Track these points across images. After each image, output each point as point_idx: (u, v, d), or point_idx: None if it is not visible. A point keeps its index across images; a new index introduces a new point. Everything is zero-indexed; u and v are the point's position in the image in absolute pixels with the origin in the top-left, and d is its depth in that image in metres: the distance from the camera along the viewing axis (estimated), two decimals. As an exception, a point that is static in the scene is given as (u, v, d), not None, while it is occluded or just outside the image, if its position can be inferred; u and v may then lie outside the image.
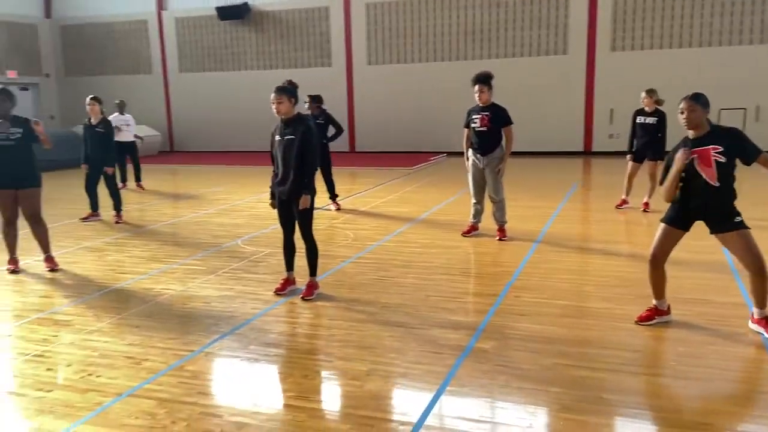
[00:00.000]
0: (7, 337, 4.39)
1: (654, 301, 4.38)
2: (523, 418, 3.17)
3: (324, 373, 3.74)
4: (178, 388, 3.54)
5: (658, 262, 4.28)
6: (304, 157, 4.92)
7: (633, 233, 7.75)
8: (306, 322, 4.70)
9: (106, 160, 8.66)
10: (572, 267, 5.96)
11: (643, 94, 8.63)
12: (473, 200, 7.45)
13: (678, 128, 4.22)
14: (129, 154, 11.79)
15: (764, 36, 15.46)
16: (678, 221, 4.19)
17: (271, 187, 5.19)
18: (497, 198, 7.22)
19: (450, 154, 16.90)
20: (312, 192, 5.02)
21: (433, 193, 10.91)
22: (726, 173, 3.98)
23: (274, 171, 5.14)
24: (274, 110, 4.97)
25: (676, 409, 3.26)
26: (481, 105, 7.11)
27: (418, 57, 18.42)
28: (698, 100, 4.02)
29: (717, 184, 3.98)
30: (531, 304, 4.91)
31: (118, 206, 8.71)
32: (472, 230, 7.47)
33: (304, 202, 4.96)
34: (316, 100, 9.42)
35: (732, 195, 4.07)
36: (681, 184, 4.11)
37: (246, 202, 10.21)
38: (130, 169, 12.06)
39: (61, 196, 10.01)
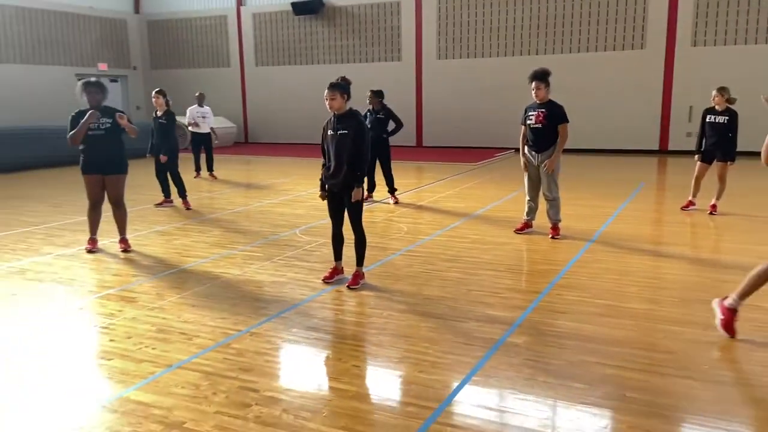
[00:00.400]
0: (79, 310, 4.85)
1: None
2: (541, 411, 3.26)
3: (356, 358, 3.94)
4: (223, 364, 3.84)
5: None
6: (357, 151, 5.12)
7: (694, 236, 7.53)
8: (348, 309, 4.92)
9: (162, 148, 9.18)
10: (621, 267, 5.90)
11: (714, 92, 8.31)
12: (527, 197, 7.46)
13: (749, 128, 4.12)
14: (204, 144, 12.42)
15: None
16: None
17: (321, 180, 5.43)
18: (551, 196, 7.20)
19: (517, 150, 16.74)
20: (364, 185, 5.22)
21: (492, 189, 10.91)
22: None
23: (324, 164, 5.38)
24: (327, 106, 5.20)
25: (696, 410, 3.25)
26: (537, 102, 7.11)
27: (488, 51, 18.31)
28: None
29: None
30: (571, 303, 4.93)
31: (182, 192, 9.24)
32: (525, 227, 7.48)
33: (356, 194, 5.18)
34: (377, 95, 9.61)
35: None
36: None
37: (309, 194, 10.57)
38: (203, 159, 12.69)
39: (144, 183, 10.70)
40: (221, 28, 21.87)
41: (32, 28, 19.11)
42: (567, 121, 7.01)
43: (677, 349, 4.01)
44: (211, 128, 12.48)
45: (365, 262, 5.53)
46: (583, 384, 3.53)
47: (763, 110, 3.47)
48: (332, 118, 5.29)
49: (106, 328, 4.47)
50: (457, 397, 3.41)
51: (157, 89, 9.58)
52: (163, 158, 9.14)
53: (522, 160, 7.33)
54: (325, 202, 5.47)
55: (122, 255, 6.53)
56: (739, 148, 8.31)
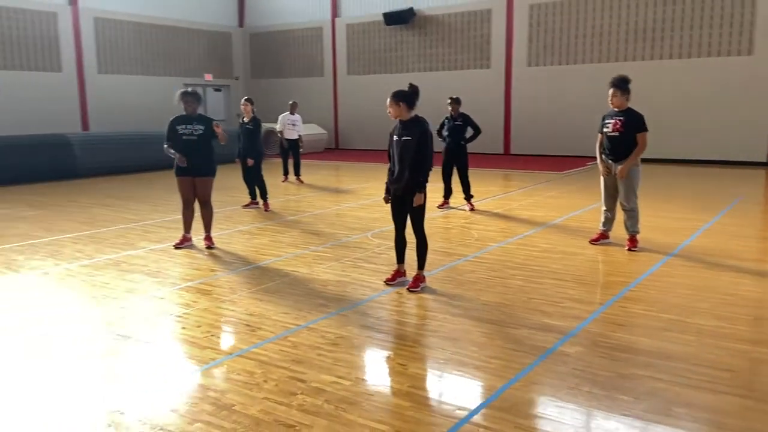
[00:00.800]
0: (160, 299, 5.28)
1: None
2: (577, 419, 3.24)
3: (403, 357, 4.05)
4: (278, 354, 4.08)
5: None
6: (420, 157, 5.25)
7: (788, 253, 7.02)
8: (404, 310, 5.04)
9: (251, 153, 9.69)
10: (696, 283, 5.63)
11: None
12: (603, 207, 7.27)
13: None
14: (292, 150, 12.98)
15: None
16: None
17: (386, 184, 5.59)
18: (628, 206, 6.98)
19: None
20: (425, 190, 5.33)
21: (575, 198, 10.65)
22: None
23: (390, 168, 5.54)
24: (389, 113, 5.38)
25: (744, 430, 3.10)
26: (615, 109, 6.93)
27: (581, 58, 17.86)
28: None
29: None
30: (634, 316, 4.79)
31: (263, 195, 9.72)
32: (601, 238, 7.29)
33: (417, 199, 5.31)
34: (456, 102, 9.68)
35: None
36: None
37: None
38: (291, 164, 13.24)
39: (235, 185, 11.37)
40: (317, 39, 22.69)
41: (146, 41, 20.70)
42: (646, 130, 6.78)
43: (739, 368, 3.82)
44: (299, 135, 13.00)
45: (428, 266, 5.63)
46: (629, 396, 3.45)
47: None
48: (398, 125, 5.45)
49: (180, 316, 4.85)
50: (495, 401, 3.45)
51: (245, 98, 10.16)
52: (250, 161, 9.65)
53: (600, 167, 7.16)
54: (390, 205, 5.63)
55: (206, 251, 7.00)
56: None
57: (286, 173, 13.15)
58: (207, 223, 7.16)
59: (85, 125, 19.01)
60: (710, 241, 7.34)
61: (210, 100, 23.14)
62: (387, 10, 20.77)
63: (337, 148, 22.38)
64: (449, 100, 9.75)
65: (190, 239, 7.21)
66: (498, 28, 19.16)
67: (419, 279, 5.53)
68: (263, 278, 5.90)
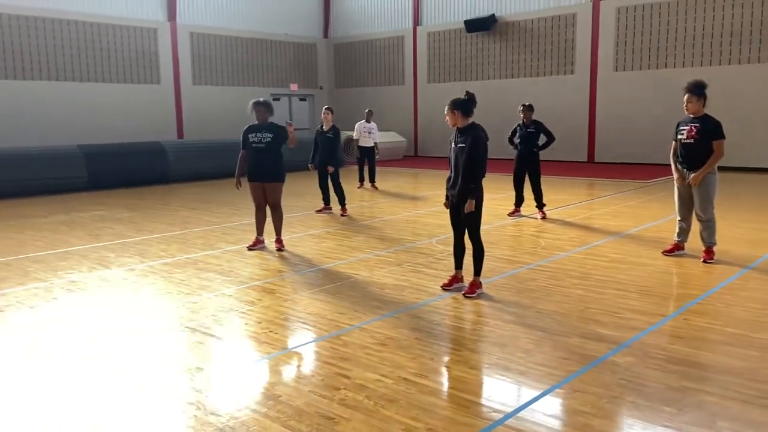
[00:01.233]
0: (228, 297, 5.62)
1: None
2: (617, 428, 3.20)
3: (448, 359, 4.13)
4: (328, 352, 4.27)
5: None
6: (471, 164, 5.32)
7: None
8: (457, 315, 5.10)
9: (331, 160, 10.01)
10: (771, 297, 5.34)
11: None
12: (678, 217, 7.00)
13: None
14: (368, 157, 13.28)
15: None
16: None
17: (446, 190, 5.69)
18: (704, 216, 6.69)
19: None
20: (478, 197, 5.38)
21: (655, 208, 10.26)
22: None
23: (448, 175, 5.64)
24: (447, 121, 5.49)
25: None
26: (690, 116, 6.68)
27: (672, 62, 17.13)
28: None
29: None
30: (696, 329, 4.62)
31: (342, 201, 10.03)
32: (675, 249, 7.01)
33: (468, 206, 5.37)
34: (529, 108, 9.59)
35: None
36: None
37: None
38: (367, 170, 13.53)
39: (310, 191, 11.80)
40: (398, 48, 23.03)
41: (235, 53, 21.79)
42: (722, 138, 6.48)
43: (800, 387, 3.62)
44: (375, 143, 13.28)
45: (488, 273, 5.67)
46: (674, 408, 3.37)
47: None
48: (455, 132, 5.54)
49: (243, 312, 5.16)
50: (533, 406, 3.46)
51: (326, 107, 10.54)
52: (330, 169, 9.97)
53: (675, 175, 6.90)
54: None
55: (276, 253, 7.34)
56: None
57: (361, 180, 13.46)
58: (277, 227, 7.50)
59: (180, 134, 20.25)
60: (798, 254, 6.89)
61: (295, 109, 24.01)
62: (468, 17, 20.78)
63: (417, 156, 22.56)
64: (521, 107, 9.68)
65: (262, 241, 7.58)
66: (583, 33, 18.71)
67: (475, 285, 5.57)
68: (325, 280, 6.13)
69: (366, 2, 23.76)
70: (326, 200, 10.26)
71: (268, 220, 7.54)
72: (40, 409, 3.50)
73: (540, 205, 9.62)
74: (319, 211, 10.24)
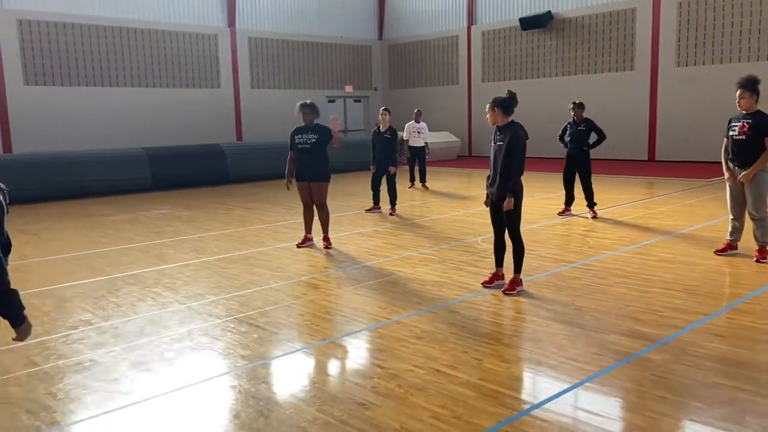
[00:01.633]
0: (275, 291, 5.88)
1: None
2: (642, 420, 3.23)
3: (481, 353, 4.22)
4: (365, 343, 4.46)
5: None
6: (509, 162, 5.38)
7: None
8: (494, 311, 5.17)
9: (390, 161, 10.20)
10: (825, 298, 5.16)
11: None
12: (730, 216, 6.82)
13: None
14: (418, 157, 13.41)
15: None
16: None
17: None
18: (757, 215, 6.50)
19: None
20: (516, 194, 5.44)
21: (714, 208, 9.94)
22: None
23: (489, 173, 5.72)
24: (487, 119, 5.56)
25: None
26: (743, 112, 6.50)
27: (736, 56, 16.49)
28: None
29: None
30: (739, 327, 4.55)
31: (393, 201, 10.20)
32: (727, 248, 6.84)
33: (507, 204, 5.43)
34: (579, 106, 9.50)
35: None
36: None
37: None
38: (417, 170, 13.66)
39: (361, 191, 12.04)
40: (452, 47, 23.04)
41: (291, 57, 22.34)
42: (776, 134, 6.28)
43: (841, 387, 3.53)
44: (425, 142, 13.39)
45: (531, 271, 5.72)
46: (703, 404, 3.37)
47: None
48: (495, 130, 5.61)
49: (288, 305, 5.40)
50: (561, 398, 3.52)
51: (383, 108, 10.75)
52: (392, 170, 10.15)
53: (726, 173, 6.74)
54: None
55: (323, 250, 7.58)
56: None
57: (412, 180, 13.59)
58: (324, 225, 7.73)
59: (238, 136, 20.93)
60: None
61: (350, 110, 24.37)
62: (523, 15, 20.59)
63: (470, 156, 22.50)
64: (571, 105, 9.59)
65: (311, 239, 7.84)
66: (643, 28, 18.23)
67: (515, 282, 5.62)
68: (368, 276, 6.31)
69: (420, 3, 23.88)
70: (376, 200, 10.44)
71: (316, 218, 7.78)
72: (99, 386, 3.81)
73: (591, 204, 9.51)
74: (368, 211, 10.43)
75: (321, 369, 4.08)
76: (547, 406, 3.44)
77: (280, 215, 10.37)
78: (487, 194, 5.78)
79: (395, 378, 3.83)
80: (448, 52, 23.23)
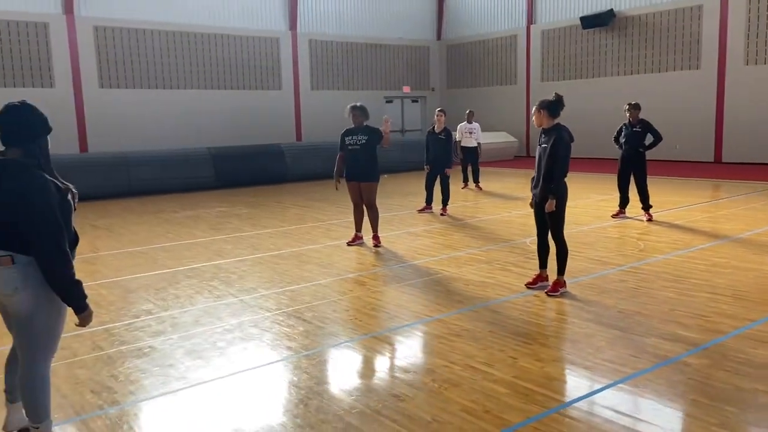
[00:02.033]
0: (323, 287, 6.12)
1: None
2: (671, 422, 3.27)
3: (517, 351, 4.30)
4: (406, 338, 4.62)
5: None
6: (552, 164, 5.42)
7: None
8: (535, 312, 5.23)
9: (445, 162, 10.31)
10: None
11: None
12: (790, 220, 6.60)
13: None
14: (470, 157, 13.44)
15: None
16: None
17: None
18: (819, 220, 6.27)
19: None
20: (559, 196, 5.47)
21: (777, 211, 9.59)
22: None
23: (534, 175, 5.78)
24: (533, 121, 5.63)
25: None
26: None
27: (812, 53, 15.70)
28: None
29: None
30: (786, 335, 4.45)
31: (445, 202, 10.32)
32: (787, 254, 6.63)
33: (549, 206, 5.47)
34: (635, 107, 9.34)
35: None
36: None
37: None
38: (470, 171, 13.68)
39: (414, 191, 12.20)
40: (511, 47, 22.86)
41: (350, 59, 22.71)
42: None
43: None
44: (478, 143, 13.41)
45: (576, 273, 5.74)
46: (735, 408, 3.37)
47: None
48: (541, 132, 5.67)
49: (334, 301, 5.63)
50: (591, 397, 3.59)
51: (439, 108, 10.89)
52: (448, 171, 10.27)
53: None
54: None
55: (373, 249, 7.78)
56: None
57: (465, 180, 13.64)
58: (373, 224, 7.94)
59: (298, 136, 21.47)
60: None
61: (407, 111, 24.54)
62: (584, 13, 20.23)
63: (528, 156, 22.26)
64: (627, 106, 9.45)
65: (361, 238, 8.06)
66: (710, 25, 17.61)
67: (559, 284, 5.65)
68: (414, 275, 6.47)
69: (480, 3, 23.79)
70: (429, 200, 10.57)
71: (367, 217, 8.00)
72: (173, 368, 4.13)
73: (646, 207, 9.34)
74: (420, 211, 10.58)
75: (361, 362, 4.27)
76: (577, 404, 3.51)
77: (333, 214, 10.66)
78: (532, 196, 5.83)
79: (431, 373, 3.98)
80: (506, 51, 23.06)
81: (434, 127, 10.57)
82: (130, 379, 4.05)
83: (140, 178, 14.02)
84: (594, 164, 16.91)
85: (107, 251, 8.11)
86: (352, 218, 8.20)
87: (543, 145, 5.54)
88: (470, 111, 13.80)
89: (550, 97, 5.72)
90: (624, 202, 9.62)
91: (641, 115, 9.40)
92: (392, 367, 4.12)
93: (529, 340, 4.58)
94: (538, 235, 5.86)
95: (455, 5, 24.75)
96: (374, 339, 4.64)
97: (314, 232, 9.07)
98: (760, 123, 16.64)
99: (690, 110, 17.88)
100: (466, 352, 4.31)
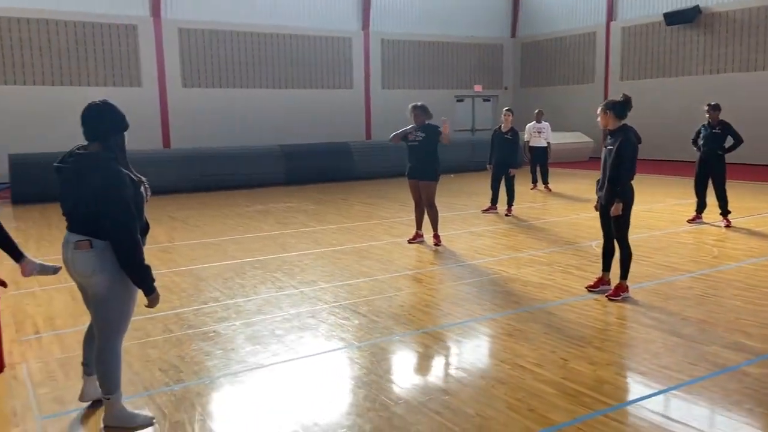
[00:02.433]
0: (380, 282, 6.23)
1: None
2: (722, 430, 3.17)
3: (569, 353, 4.26)
4: (456, 336, 4.66)
5: None
6: (618, 166, 5.30)
7: None
8: (593, 315, 5.14)
9: (511, 162, 10.22)
10: None
11: None
12: None
13: None
14: (539, 158, 13.21)
15: None
16: None
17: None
18: None
19: None
20: (625, 200, 5.34)
21: None
22: None
23: (599, 177, 5.67)
24: (598, 122, 5.53)
25: None
26: None
27: None
28: None
29: None
30: None
31: (510, 202, 10.21)
32: None
33: (615, 209, 5.36)
34: (714, 108, 8.94)
35: None
36: None
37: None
38: (540, 172, 13.46)
39: (483, 191, 12.14)
40: (589, 44, 22.24)
41: (421, 57, 22.76)
42: None
43: None
44: (548, 143, 13.18)
45: (641, 278, 5.64)
46: (796, 424, 3.22)
47: None
48: (607, 134, 5.56)
49: (390, 296, 5.73)
50: (641, 402, 3.53)
51: (507, 108, 10.80)
52: (512, 172, 10.18)
53: None
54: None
55: (433, 247, 7.84)
56: None
57: (534, 181, 13.42)
58: (433, 223, 7.98)
59: (368, 134, 21.75)
60: None
61: (478, 110, 24.35)
62: (668, 9, 19.44)
63: (604, 157, 21.59)
64: (706, 107, 9.06)
65: (421, 236, 8.13)
66: (805, 21, 16.53)
67: (621, 288, 5.53)
68: (472, 274, 6.49)
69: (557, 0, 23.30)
70: (494, 200, 10.50)
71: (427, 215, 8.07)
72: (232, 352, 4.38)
73: (724, 212, 8.92)
74: (485, 211, 10.52)
75: (411, 356, 4.35)
76: (625, 408, 3.46)
77: (395, 212, 10.78)
78: (597, 198, 5.73)
79: (479, 370, 4.02)
80: (584, 49, 22.46)
81: (501, 126, 10.49)
82: (195, 360, 4.31)
83: (217, 173, 14.65)
84: (675, 167, 16.24)
85: (182, 242, 8.55)
86: (413, 216, 8.29)
87: (609, 147, 5.43)
88: (539, 110, 13.57)
89: (618, 97, 5.58)
90: (701, 206, 9.22)
91: (721, 116, 8.99)
92: (440, 363, 4.18)
93: (583, 343, 4.53)
94: (603, 238, 5.75)
95: (531, 2, 24.32)
96: (426, 335, 4.72)
97: (377, 229, 9.22)
98: None
99: (780, 111, 16.84)
100: (517, 352, 4.31)
